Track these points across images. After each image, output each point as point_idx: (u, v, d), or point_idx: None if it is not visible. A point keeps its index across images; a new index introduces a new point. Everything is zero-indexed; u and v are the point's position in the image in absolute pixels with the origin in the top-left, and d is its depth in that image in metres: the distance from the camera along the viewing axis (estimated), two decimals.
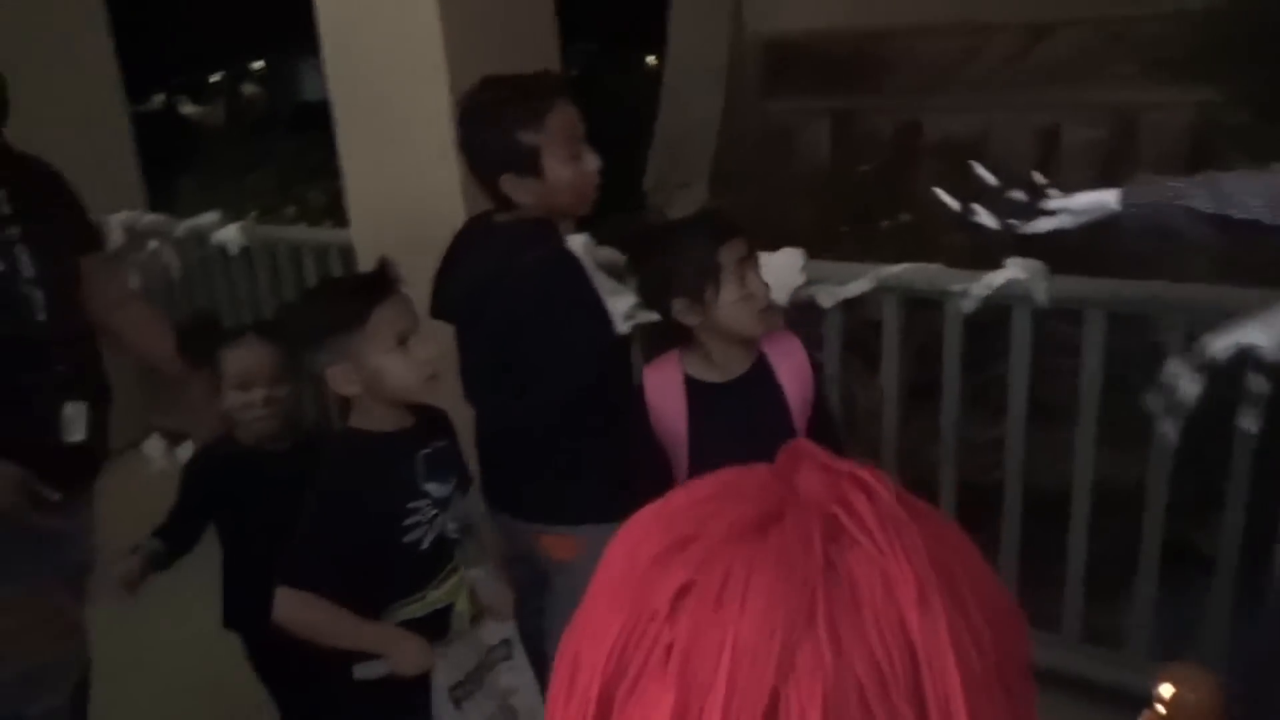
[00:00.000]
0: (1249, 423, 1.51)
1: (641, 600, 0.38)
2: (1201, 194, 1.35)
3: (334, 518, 1.45)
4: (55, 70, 3.55)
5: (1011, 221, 1.50)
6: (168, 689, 2.28)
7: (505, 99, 1.62)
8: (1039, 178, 1.57)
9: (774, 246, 2.32)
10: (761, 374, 1.64)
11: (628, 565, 0.40)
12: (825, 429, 1.73)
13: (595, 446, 1.70)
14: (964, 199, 1.61)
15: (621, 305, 2.50)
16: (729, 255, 1.53)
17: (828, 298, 2.23)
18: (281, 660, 1.49)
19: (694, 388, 1.61)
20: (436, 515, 1.52)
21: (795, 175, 4.93)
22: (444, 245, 2.55)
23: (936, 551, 0.39)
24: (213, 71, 17.75)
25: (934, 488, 2.31)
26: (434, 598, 1.53)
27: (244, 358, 1.72)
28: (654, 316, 2.53)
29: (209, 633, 1.81)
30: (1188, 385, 1.42)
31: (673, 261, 1.56)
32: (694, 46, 6.03)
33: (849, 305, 2.28)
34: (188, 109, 18.26)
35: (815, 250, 2.46)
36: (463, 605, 1.57)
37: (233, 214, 3.71)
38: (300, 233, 3.48)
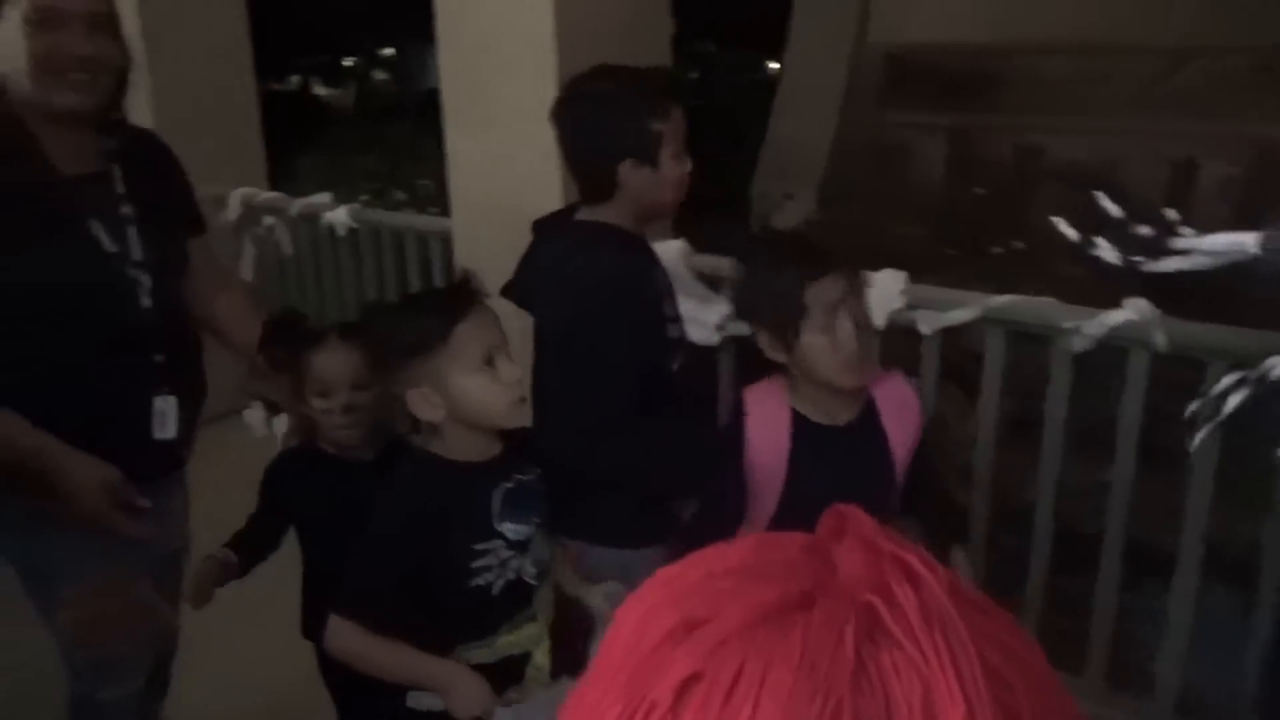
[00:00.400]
0: None
1: (641, 687, 0.33)
2: None
3: (393, 552, 1.33)
4: (192, 49, 3.70)
5: (1136, 259, 1.39)
6: (245, 678, 2.31)
7: (637, 86, 1.62)
8: (1171, 214, 1.45)
9: (877, 265, 2.25)
10: (869, 422, 1.48)
11: (631, 643, 0.35)
12: (923, 483, 1.56)
13: (613, 468, 1.59)
14: (1085, 230, 1.50)
15: (713, 315, 2.47)
16: (818, 296, 1.35)
17: (928, 324, 2.14)
18: (346, 673, 1.43)
19: (801, 427, 1.46)
20: (512, 558, 1.38)
21: (906, 192, 4.79)
22: None
23: (993, 661, 0.33)
24: (347, 56, 18.39)
25: (1027, 530, 2.19)
26: (505, 644, 1.40)
27: (326, 363, 1.62)
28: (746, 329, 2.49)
29: (290, 623, 1.76)
30: (1234, 399, 1.32)
31: (756, 293, 1.44)
32: (814, 54, 5.93)
33: (949, 333, 2.18)
34: (320, 91, 18.98)
35: (920, 273, 2.37)
36: (541, 658, 1.43)
37: (347, 195, 3.81)
38: (404, 218, 3.53)
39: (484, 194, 2.70)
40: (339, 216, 3.42)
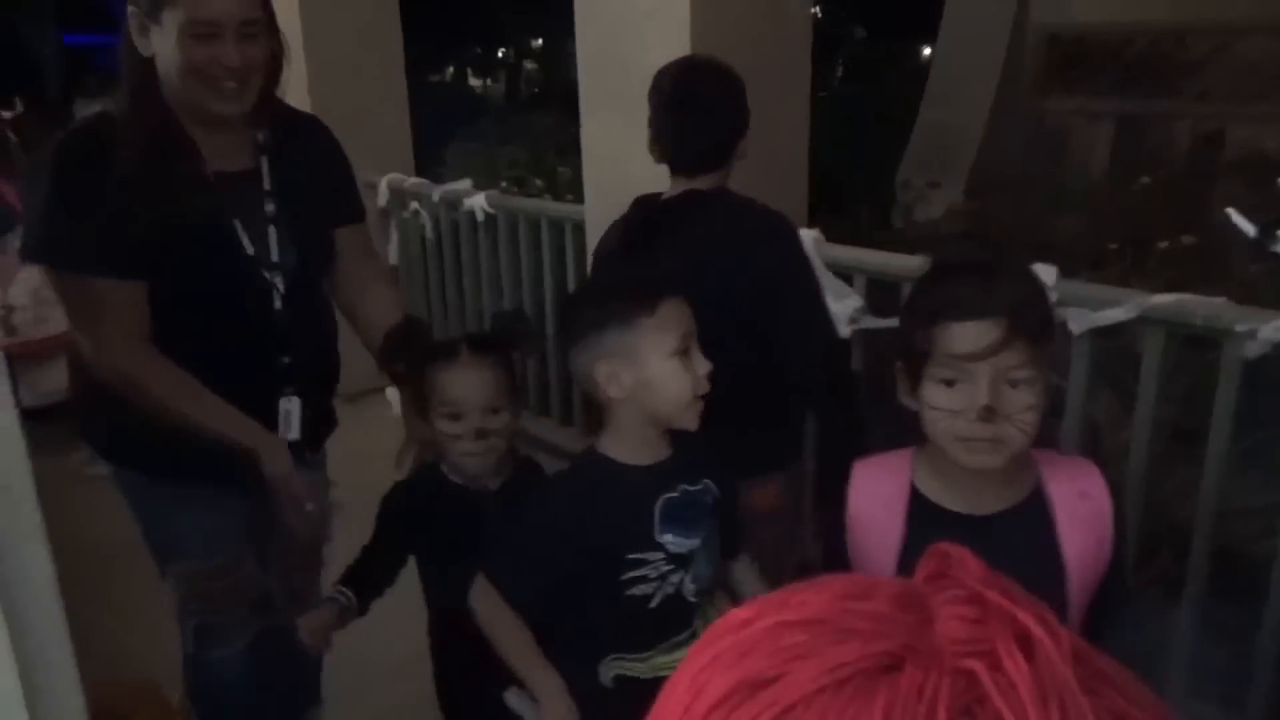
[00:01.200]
0: None
1: None
2: None
3: (546, 545, 1.31)
4: (347, 41, 3.85)
5: None
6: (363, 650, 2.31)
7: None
8: None
9: (1028, 260, 2.11)
10: (1032, 517, 1.12)
11: (685, 703, 0.30)
12: (1112, 599, 1.17)
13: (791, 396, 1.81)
14: (1264, 223, 1.34)
15: (846, 308, 2.37)
16: (950, 340, 1.04)
17: (1079, 323, 1.98)
18: (455, 665, 1.41)
19: (921, 512, 1.15)
20: (671, 572, 1.32)
21: (1065, 182, 4.51)
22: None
23: None
24: (500, 47, 18.88)
25: (1185, 551, 2.01)
26: (661, 663, 1.34)
27: (455, 382, 1.45)
28: (884, 323, 2.38)
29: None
30: None
31: (903, 310, 1.16)
32: (969, 36, 5.66)
33: (1105, 333, 2.02)
34: (474, 81, 19.56)
35: (1077, 268, 2.21)
36: None
37: (490, 183, 3.88)
38: (539, 205, 3.57)
39: (616, 179, 2.68)
40: (478, 202, 3.49)
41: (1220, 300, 1.86)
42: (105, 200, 1.44)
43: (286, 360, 1.63)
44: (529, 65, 18.27)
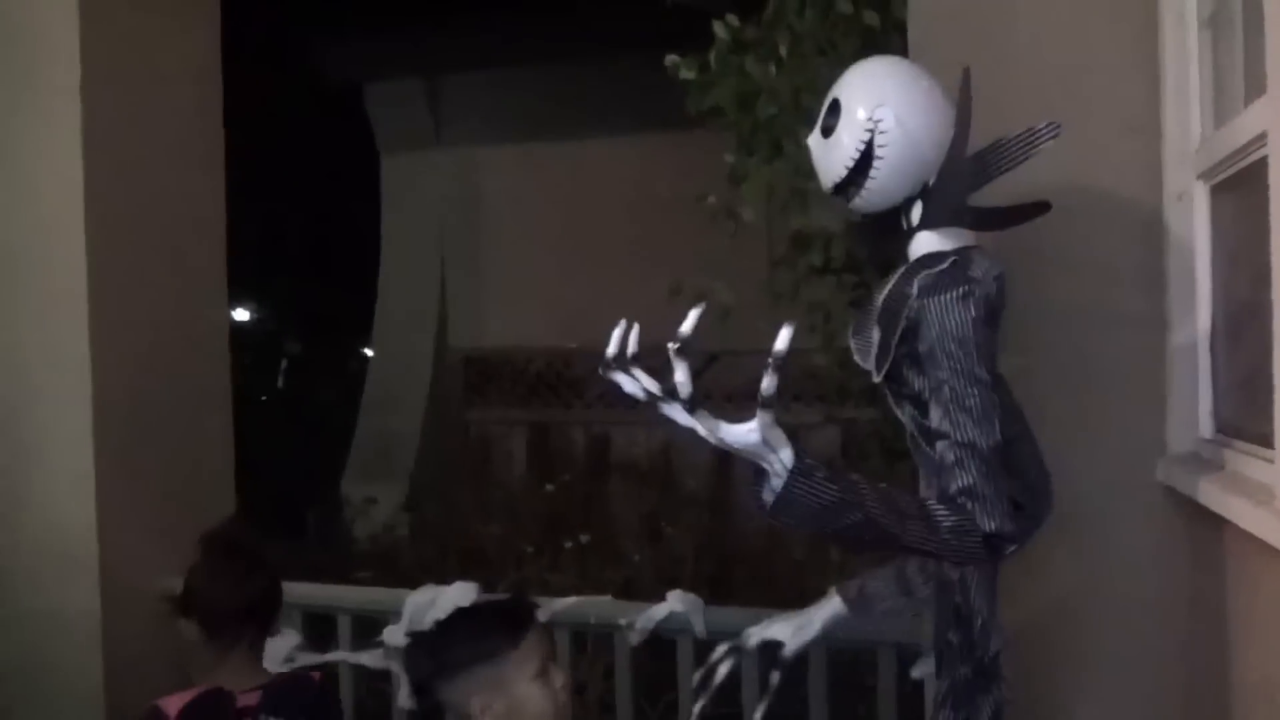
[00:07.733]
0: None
1: None
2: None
3: None
4: None
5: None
6: None
7: None
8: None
9: (463, 566, 2.30)
10: None
11: None
12: None
13: None
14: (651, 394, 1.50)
15: (282, 647, 2.31)
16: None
17: None
18: None
19: None
20: None
21: (488, 490, 5.02)
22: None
23: None
24: None
25: None
26: None
27: None
28: (324, 658, 2.34)
29: None
30: (724, 668, 1.53)
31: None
32: (398, 354, 6.18)
33: None
34: None
35: (502, 570, 2.44)
36: None
37: None
38: None
39: None
40: None
41: (607, 599, 2.22)
42: None
43: None
44: None
